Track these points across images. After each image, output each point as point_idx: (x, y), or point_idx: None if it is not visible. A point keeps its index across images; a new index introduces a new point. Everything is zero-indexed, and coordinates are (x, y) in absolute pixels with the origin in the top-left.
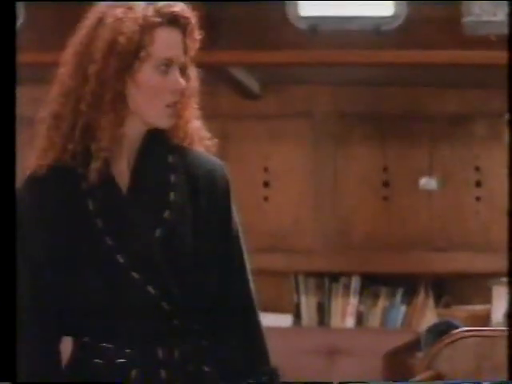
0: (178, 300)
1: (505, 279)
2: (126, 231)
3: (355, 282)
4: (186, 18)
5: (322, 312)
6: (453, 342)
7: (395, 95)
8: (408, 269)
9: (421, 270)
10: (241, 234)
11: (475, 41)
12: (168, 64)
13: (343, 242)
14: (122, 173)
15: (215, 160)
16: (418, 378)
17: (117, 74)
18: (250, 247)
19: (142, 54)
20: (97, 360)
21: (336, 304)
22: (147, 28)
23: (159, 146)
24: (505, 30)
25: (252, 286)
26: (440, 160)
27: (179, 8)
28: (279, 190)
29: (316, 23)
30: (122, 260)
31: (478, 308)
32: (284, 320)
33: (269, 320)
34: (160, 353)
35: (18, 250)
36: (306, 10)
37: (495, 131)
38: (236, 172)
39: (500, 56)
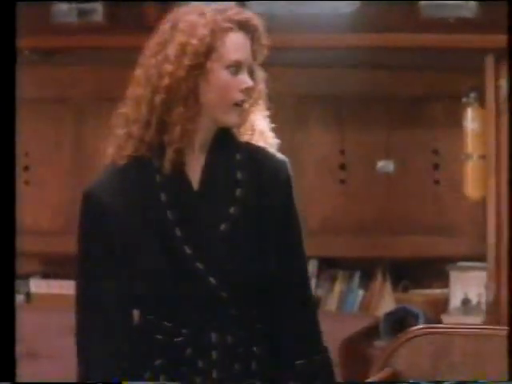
0: (237, 291)
1: (463, 263)
2: (194, 224)
3: (312, 266)
4: (254, 25)
5: None
6: (409, 339)
7: (353, 78)
8: (365, 252)
9: (378, 253)
10: (301, 228)
11: (433, 23)
12: (237, 66)
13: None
14: (194, 168)
15: (279, 157)
16: (374, 378)
17: (189, 73)
18: None
19: (213, 55)
20: (158, 336)
21: None
22: (218, 32)
23: (228, 143)
24: (462, 13)
25: (309, 276)
26: (398, 143)
27: (248, 15)
28: None
29: (275, 7)
30: (188, 251)
31: (436, 292)
32: None
33: None
34: (213, 337)
35: (93, 236)
36: None
37: (453, 114)
38: None
39: (457, 39)
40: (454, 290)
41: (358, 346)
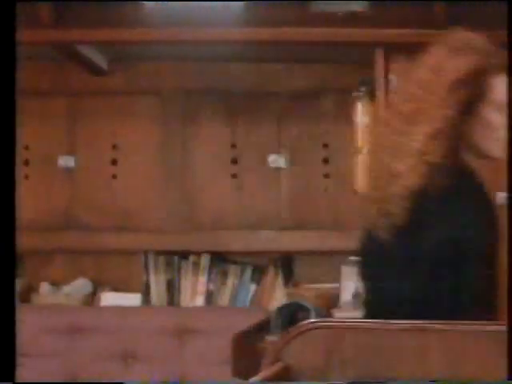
0: None
1: (353, 258)
2: None
3: (204, 261)
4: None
5: (172, 291)
6: (301, 333)
7: (243, 72)
8: (257, 247)
9: (270, 248)
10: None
11: (322, 17)
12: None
13: (192, 220)
14: None
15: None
16: (264, 372)
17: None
18: (99, 226)
19: (487, 96)
20: None
21: (186, 283)
22: (490, 74)
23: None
24: (351, 7)
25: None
26: (288, 137)
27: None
28: (127, 168)
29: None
30: None
31: (327, 287)
32: (133, 299)
33: (118, 299)
34: None
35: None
36: None
37: (343, 108)
38: (84, 149)
39: (347, 33)
40: (344, 284)
41: (249, 340)
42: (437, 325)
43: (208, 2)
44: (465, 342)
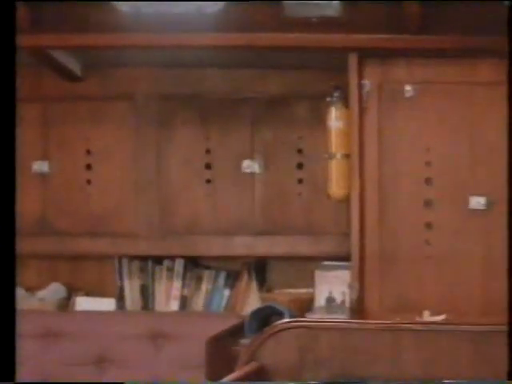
0: None
1: (327, 263)
2: None
3: (178, 266)
4: None
5: (146, 296)
6: (275, 333)
7: (217, 77)
8: (231, 252)
9: (244, 253)
10: None
11: (296, 23)
12: None
13: (166, 225)
14: None
15: None
16: (240, 371)
17: None
18: (73, 231)
19: None
20: None
21: (160, 288)
22: None
23: None
24: (325, 13)
25: None
26: (262, 142)
27: None
28: (102, 173)
29: (139, 6)
30: None
31: (301, 292)
32: (107, 304)
33: (92, 304)
34: None
35: None
36: None
37: (317, 113)
38: (58, 155)
39: (320, 38)
40: (318, 289)
41: (223, 343)
42: (411, 324)
43: (182, 7)
44: (438, 341)
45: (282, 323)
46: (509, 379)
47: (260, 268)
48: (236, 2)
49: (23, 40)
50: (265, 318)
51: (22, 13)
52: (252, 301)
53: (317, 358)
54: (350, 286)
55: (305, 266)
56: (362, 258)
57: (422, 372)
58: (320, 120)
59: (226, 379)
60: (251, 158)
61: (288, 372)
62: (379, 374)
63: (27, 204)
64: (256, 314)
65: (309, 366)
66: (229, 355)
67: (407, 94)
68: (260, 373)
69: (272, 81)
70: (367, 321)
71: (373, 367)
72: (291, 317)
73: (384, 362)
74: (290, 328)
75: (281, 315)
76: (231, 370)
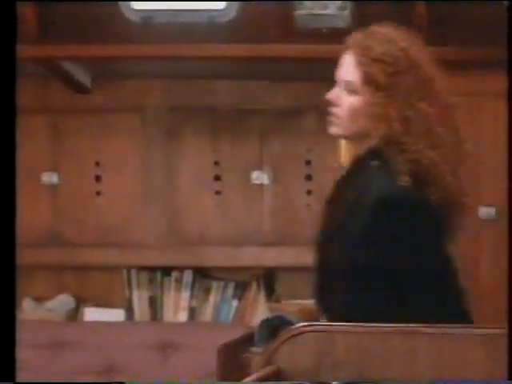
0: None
1: None
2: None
3: (187, 277)
4: (357, 45)
5: (155, 307)
6: (293, 336)
7: (226, 89)
8: (239, 263)
9: (252, 264)
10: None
11: (306, 34)
12: (338, 82)
13: (175, 237)
14: None
15: (385, 186)
16: (257, 374)
17: None
18: (82, 242)
19: None
20: None
21: (168, 298)
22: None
23: (363, 162)
24: (335, 24)
25: None
26: (271, 154)
27: (355, 37)
28: (111, 185)
29: (149, 16)
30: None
31: (310, 302)
32: (116, 315)
33: (100, 315)
34: None
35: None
36: (139, 3)
37: (324, 124)
38: (67, 166)
39: (330, 49)
40: None
41: (234, 352)
42: (425, 328)
43: (192, 17)
44: (452, 344)
45: (299, 326)
46: (509, 379)
47: (268, 279)
48: (247, 12)
49: (32, 50)
50: (274, 328)
51: (31, 23)
52: (260, 312)
53: (333, 362)
54: None
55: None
56: None
57: (437, 375)
58: (327, 131)
59: (245, 380)
60: (260, 169)
61: (305, 375)
62: (395, 376)
63: (36, 215)
64: (265, 323)
65: (326, 369)
66: (240, 363)
67: None
68: (277, 376)
69: (281, 92)
70: (383, 324)
71: (389, 370)
72: None
73: (399, 365)
74: (306, 332)
75: (290, 325)
76: (242, 378)
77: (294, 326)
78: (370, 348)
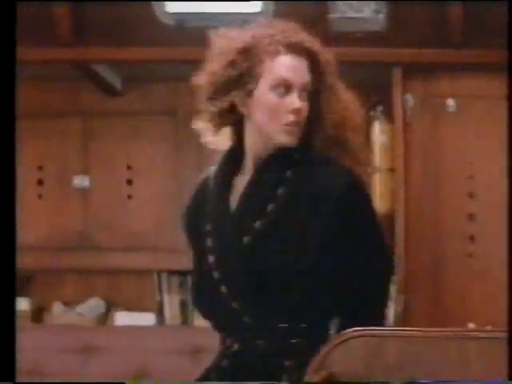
0: (247, 300)
1: None
2: (221, 236)
3: None
4: (307, 48)
5: (186, 311)
6: (343, 341)
7: None
8: None
9: None
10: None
11: (341, 37)
12: (285, 87)
13: None
14: (242, 184)
15: (336, 174)
16: (312, 379)
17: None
18: (113, 246)
19: (258, 77)
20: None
21: None
22: (264, 55)
23: (282, 161)
24: (370, 27)
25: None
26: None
27: (300, 38)
28: (142, 188)
29: (183, 19)
30: (210, 260)
31: None
32: (147, 319)
33: (131, 319)
34: (235, 346)
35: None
36: (173, 6)
37: None
38: (98, 169)
39: (365, 53)
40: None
41: None
42: (476, 332)
43: (225, 21)
44: (503, 348)
45: (351, 331)
46: (509, 379)
47: None
48: (281, 16)
49: (66, 53)
50: None
51: (64, 26)
52: None
53: (385, 365)
54: (395, 300)
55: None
56: (406, 271)
57: (487, 379)
58: None
59: None
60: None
61: (357, 380)
62: (446, 381)
63: (67, 218)
64: None
65: (377, 373)
66: None
67: (450, 109)
68: (331, 381)
69: None
70: (434, 329)
71: (439, 374)
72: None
73: (450, 369)
74: (358, 336)
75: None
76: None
77: (345, 331)
78: (421, 352)
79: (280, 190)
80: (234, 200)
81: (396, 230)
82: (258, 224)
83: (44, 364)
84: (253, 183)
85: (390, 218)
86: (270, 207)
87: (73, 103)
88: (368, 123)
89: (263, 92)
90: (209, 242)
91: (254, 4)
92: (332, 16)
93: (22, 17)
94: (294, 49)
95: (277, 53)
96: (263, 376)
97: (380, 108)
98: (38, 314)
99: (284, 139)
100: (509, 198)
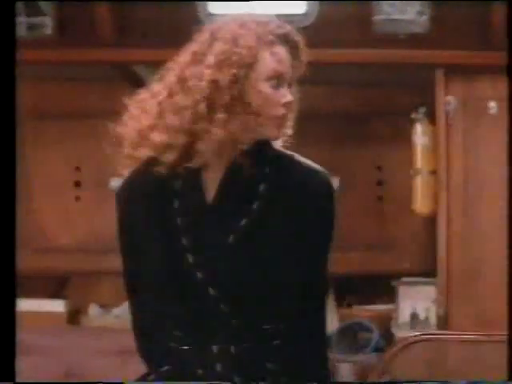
0: (237, 303)
1: (410, 279)
2: (201, 234)
3: None
4: (295, 40)
5: None
6: (406, 346)
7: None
8: None
9: None
10: (326, 244)
11: (384, 39)
12: (278, 79)
13: None
14: (214, 179)
15: (313, 170)
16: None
17: (232, 82)
18: None
19: (256, 67)
20: (170, 343)
21: None
22: (262, 44)
23: (260, 156)
24: (414, 29)
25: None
26: (341, 159)
27: (289, 30)
28: None
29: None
30: (190, 260)
31: (380, 308)
32: None
33: None
34: (215, 349)
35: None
36: (217, 7)
37: (397, 130)
38: None
39: (407, 54)
40: (402, 305)
41: None
42: None
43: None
44: None
45: (413, 336)
46: (509, 379)
47: (339, 284)
48: (326, 17)
49: (108, 54)
50: (352, 333)
51: (106, 27)
52: (331, 318)
53: (447, 370)
54: (437, 302)
55: (383, 282)
56: (448, 274)
57: None
58: (399, 137)
59: None
60: (331, 174)
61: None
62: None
63: (104, 220)
64: (345, 330)
65: (439, 377)
66: None
67: (491, 111)
68: None
69: (350, 97)
70: (496, 333)
71: (500, 378)
72: (377, 332)
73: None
74: (420, 341)
75: (370, 332)
76: None
77: (407, 336)
78: (483, 357)
79: (261, 187)
80: (209, 196)
81: (438, 231)
82: (243, 222)
83: (80, 366)
84: (230, 179)
85: (432, 219)
86: (255, 205)
87: (110, 104)
88: (410, 125)
89: (257, 82)
90: (183, 241)
91: (299, 5)
92: (376, 18)
93: (64, 17)
94: (284, 40)
95: (272, 43)
96: (247, 379)
97: (422, 110)
98: (75, 316)
99: (271, 133)
100: (509, 198)
